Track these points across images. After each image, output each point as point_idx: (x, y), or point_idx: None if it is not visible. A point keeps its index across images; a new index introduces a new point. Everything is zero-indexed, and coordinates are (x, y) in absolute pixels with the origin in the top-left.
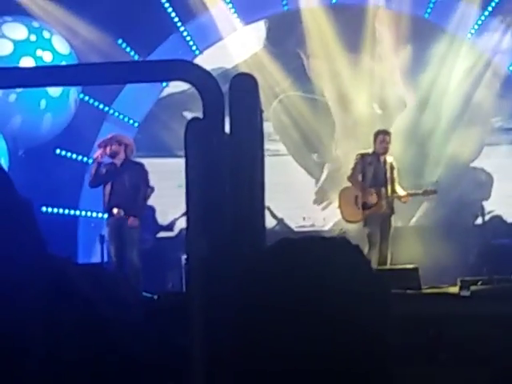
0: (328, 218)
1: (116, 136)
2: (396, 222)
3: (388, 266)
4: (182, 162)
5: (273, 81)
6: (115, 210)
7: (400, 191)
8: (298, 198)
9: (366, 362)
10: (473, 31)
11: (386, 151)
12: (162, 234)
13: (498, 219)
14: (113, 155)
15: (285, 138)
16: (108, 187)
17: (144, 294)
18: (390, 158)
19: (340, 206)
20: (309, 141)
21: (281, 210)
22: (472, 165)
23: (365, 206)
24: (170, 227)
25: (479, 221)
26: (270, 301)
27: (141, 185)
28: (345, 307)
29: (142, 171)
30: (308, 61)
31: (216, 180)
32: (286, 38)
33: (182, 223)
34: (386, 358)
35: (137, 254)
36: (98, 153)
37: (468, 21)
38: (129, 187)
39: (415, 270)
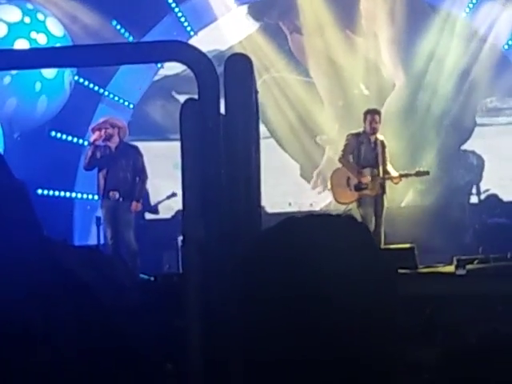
0: (316, 204)
1: (109, 119)
2: (390, 202)
3: (383, 246)
4: (175, 144)
5: (268, 62)
6: (111, 193)
7: (392, 171)
8: (283, 183)
9: (377, 343)
10: (468, 9)
11: (375, 131)
12: (154, 216)
13: (493, 198)
14: (108, 138)
15: (270, 121)
16: (104, 170)
17: (141, 275)
18: (380, 137)
19: (332, 188)
20: (305, 124)
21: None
22: (464, 147)
23: (357, 188)
24: (154, 209)
25: (475, 200)
26: (275, 280)
27: (138, 169)
28: (353, 286)
29: (138, 155)
30: (291, 36)
31: (211, 161)
32: (268, 10)
33: (167, 205)
34: (396, 338)
35: (133, 236)
36: (94, 136)
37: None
38: (126, 170)
39: (411, 249)
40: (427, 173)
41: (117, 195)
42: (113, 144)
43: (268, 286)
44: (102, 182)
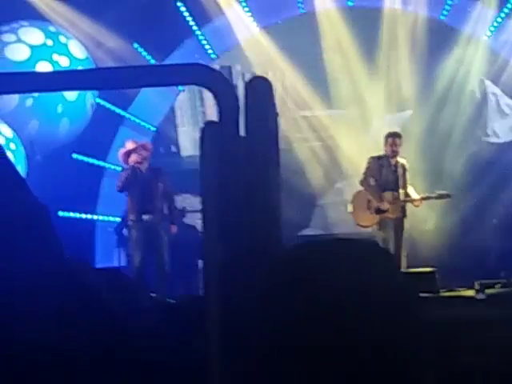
0: None
1: (141, 143)
2: (412, 224)
3: (404, 270)
4: None
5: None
6: (145, 216)
7: (413, 194)
8: None
9: (395, 365)
10: (489, 32)
11: (396, 154)
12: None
13: None
14: (141, 161)
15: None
16: (135, 192)
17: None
18: (401, 160)
19: (353, 211)
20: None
21: None
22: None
23: (378, 211)
24: None
25: (497, 222)
26: (296, 305)
27: (167, 190)
28: (375, 313)
29: (165, 176)
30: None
31: (231, 183)
32: (301, 41)
33: None
34: (415, 362)
35: (168, 259)
36: (132, 159)
37: (484, 22)
38: (157, 193)
39: (432, 273)
40: (449, 195)
41: (151, 217)
42: (143, 166)
43: (288, 311)
44: (133, 203)
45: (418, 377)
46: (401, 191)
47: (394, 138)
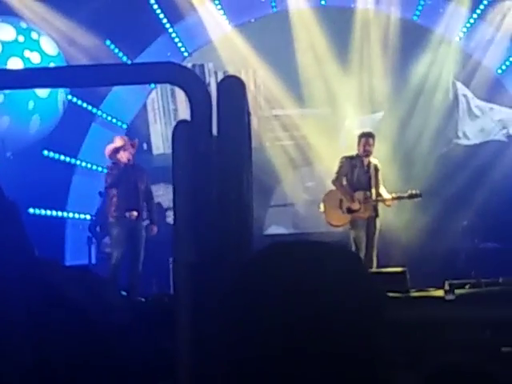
0: None
1: (128, 139)
2: (383, 224)
3: (375, 269)
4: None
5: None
6: (130, 213)
7: (385, 194)
8: None
9: (362, 369)
10: (461, 34)
11: (369, 154)
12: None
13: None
14: (130, 158)
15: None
16: (118, 189)
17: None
18: (374, 160)
19: (325, 210)
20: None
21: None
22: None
23: (349, 211)
24: None
25: (467, 224)
26: (263, 306)
27: (149, 190)
28: (342, 315)
29: (148, 176)
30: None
31: (203, 183)
32: (273, 40)
33: None
34: (382, 365)
35: (142, 258)
36: (123, 156)
37: (457, 23)
38: (141, 191)
39: (403, 273)
40: (419, 195)
41: (135, 215)
42: (129, 164)
43: (254, 312)
44: (114, 200)
45: (385, 378)
46: (373, 191)
47: (367, 137)
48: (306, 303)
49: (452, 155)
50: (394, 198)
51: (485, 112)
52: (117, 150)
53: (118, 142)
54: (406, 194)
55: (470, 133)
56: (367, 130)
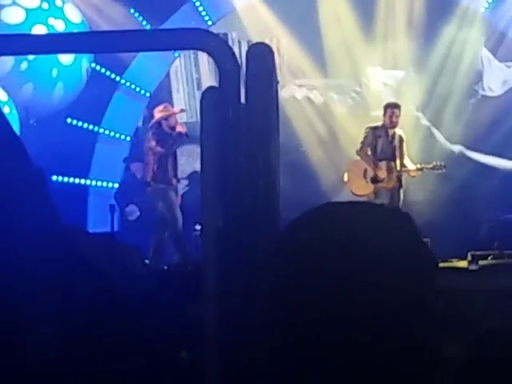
0: None
1: (170, 108)
2: (406, 195)
3: None
4: None
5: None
6: (176, 181)
7: (409, 165)
8: None
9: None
10: (487, 4)
11: (395, 125)
12: None
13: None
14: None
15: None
16: (171, 158)
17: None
18: (399, 131)
19: (349, 180)
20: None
21: None
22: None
23: (374, 180)
24: None
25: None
26: (314, 265)
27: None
28: (395, 276)
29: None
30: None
31: (231, 149)
32: (298, 9)
33: None
34: (434, 329)
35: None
36: (177, 126)
37: None
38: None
39: (425, 243)
40: (444, 167)
41: (176, 183)
42: (176, 131)
43: (306, 271)
44: (167, 168)
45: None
46: (397, 162)
47: (392, 108)
48: (360, 264)
49: (479, 109)
50: (418, 169)
51: (506, 69)
52: (167, 117)
53: (171, 109)
54: (430, 166)
55: (494, 86)
56: (392, 101)
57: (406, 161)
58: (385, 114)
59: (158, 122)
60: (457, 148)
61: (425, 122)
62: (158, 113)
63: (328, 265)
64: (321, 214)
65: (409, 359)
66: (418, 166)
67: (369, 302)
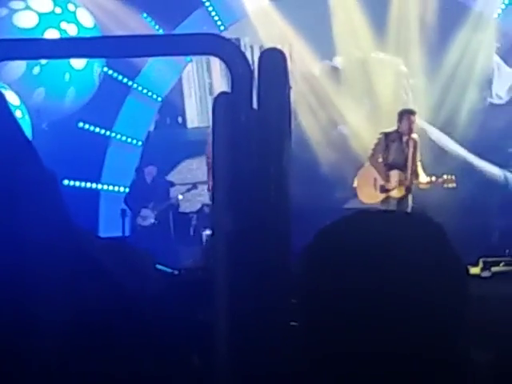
0: None
1: None
2: (417, 201)
3: None
4: None
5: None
6: None
7: (421, 174)
8: None
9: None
10: (500, 10)
11: (410, 131)
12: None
13: None
14: None
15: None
16: None
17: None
18: (414, 135)
19: (358, 187)
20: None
21: None
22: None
23: (383, 190)
24: (175, 202)
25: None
26: (345, 274)
27: None
28: (426, 283)
29: None
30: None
31: (243, 155)
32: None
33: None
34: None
35: None
36: None
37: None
38: None
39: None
40: (453, 181)
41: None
42: None
43: (339, 278)
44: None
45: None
46: (408, 169)
47: (409, 115)
48: (389, 272)
49: (488, 115)
50: (427, 183)
51: None
52: None
53: None
54: (440, 180)
55: (502, 92)
56: (408, 107)
57: (419, 169)
58: (400, 121)
59: None
60: (468, 155)
61: (435, 129)
62: None
63: (358, 274)
64: (351, 223)
65: (443, 369)
66: (428, 179)
67: (396, 309)
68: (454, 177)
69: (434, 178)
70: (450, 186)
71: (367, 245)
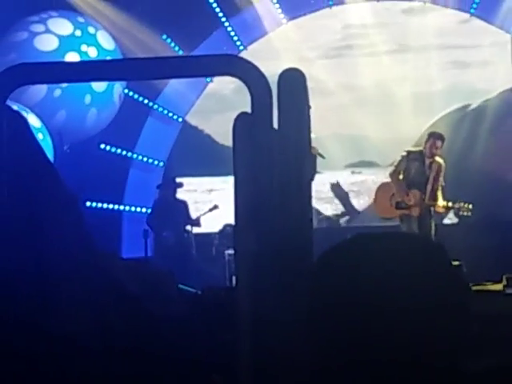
0: None
1: None
2: (440, 218)
3: None
4: None
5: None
6: None
7: (440, 198)
8: None
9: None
10: None
11: (434, 155)
12: (202, 230)
13: None
14: None
15: None
16: None
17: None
18: (439, 160)
19: (375, 201)
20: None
21: None
22: None
23: (398, 206)
24: (195, 222)
25: None
26: (347, 296)
27: None
28: (427, 305)
29: None
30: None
31: (264, 175)
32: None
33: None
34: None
35: None
36: None
37: None
38: None
39: (459, 266)
40: (469, 210)
41: None
42: None
43: (341, 301)
44: None
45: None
46: (428, 191)
47: (435, 139)
48: (392, 294)
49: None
50: (444, 207)
51: None
52: None
53: None
54: (457, 206)
55: None
56: (438, 131)
57: (439, 192)
58: (426, 142)
59: None
60: (490, 173)
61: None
62: None
63: (359, 296)
64: (350, 246)
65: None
66: (444, 203)
67: (402, 331)
68: (471, 205)
69: (450, 204)
70: (466, 214)
71: (363, 268)
